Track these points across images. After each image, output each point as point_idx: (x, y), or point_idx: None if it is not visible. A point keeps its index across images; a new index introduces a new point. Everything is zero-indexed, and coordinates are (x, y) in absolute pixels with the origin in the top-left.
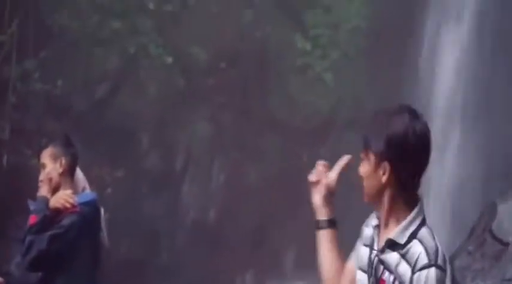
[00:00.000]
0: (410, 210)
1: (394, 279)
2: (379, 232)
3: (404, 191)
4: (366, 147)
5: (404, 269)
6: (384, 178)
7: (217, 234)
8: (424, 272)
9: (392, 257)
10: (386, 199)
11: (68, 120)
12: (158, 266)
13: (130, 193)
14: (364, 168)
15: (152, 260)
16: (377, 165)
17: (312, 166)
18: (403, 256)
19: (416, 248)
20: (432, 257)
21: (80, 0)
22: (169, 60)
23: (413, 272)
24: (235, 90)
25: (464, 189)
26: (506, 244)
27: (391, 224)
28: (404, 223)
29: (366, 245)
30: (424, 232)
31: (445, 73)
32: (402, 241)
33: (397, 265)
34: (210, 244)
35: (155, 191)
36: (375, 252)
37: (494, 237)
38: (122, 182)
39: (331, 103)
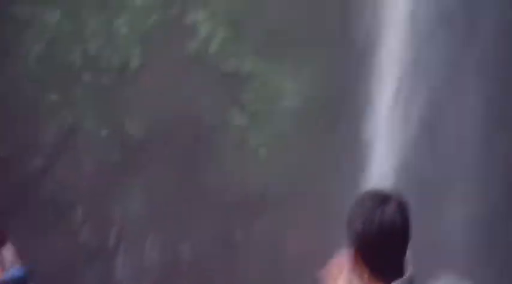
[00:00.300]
0: None
1: None
2: None
3: (379, 278)
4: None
5: None
6: (352, 265)
7: None
8: None
9: None
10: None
11: (3, 193)
12: None
13: (64, 266)
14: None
15: None
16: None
17: (246, 242)
18: None
19: None
20: None
21: (17, 70)
22: (105, 133)
23: None
24: (170, 164)
25: None
26: None
27: None
28: None
29: None
30: None
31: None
32: None
33: None
34: None
35: (89, 264)
36: None
37: None
38: (56, 254)
39: (266, 178)
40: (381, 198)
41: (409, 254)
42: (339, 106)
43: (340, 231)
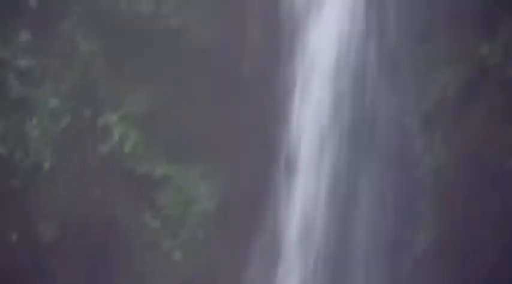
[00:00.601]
0: None
1: None
2: None
3: None
4: None
5: None
6: None
7: None
8: None
9: None
10: None
11: None
12: None
13: None
14: None
15: None
16: None
17: None
18: None
19: None
20: None
21: None
22: (15, 237)
23: None
24: (82, 268)
25: None
26: None
27: None
28: None
29: None
30: None
31: None
32: None
33: None
34: None
35: None
36: None
37: None
38: None
39: (180, 278)
40: None
41: None
42: (255, 210)
43: None
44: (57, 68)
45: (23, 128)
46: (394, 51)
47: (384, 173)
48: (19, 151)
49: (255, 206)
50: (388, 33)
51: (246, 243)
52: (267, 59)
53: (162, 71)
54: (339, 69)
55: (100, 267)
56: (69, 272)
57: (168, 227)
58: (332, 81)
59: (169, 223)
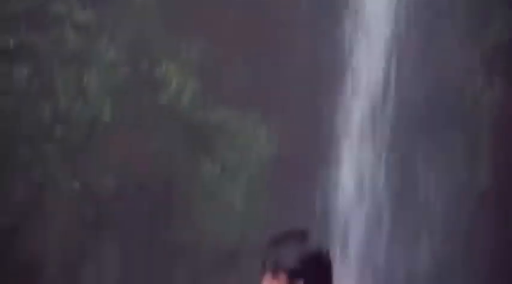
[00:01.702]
0: None
1: None
2: None
3: None
4: (276, 267)
5: None
6: None
7: None
8: None
9: None
10: None
11: None
12: None
13: None
14: None
15: None
16: (290, 283)
17: None
18: None
19: None
20: None
21: None
22: (77, 187)
23: None
24: (143, 216)
25: None
26: None
27: None
28: None
29: None
30: None
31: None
32: None
33: None
34: None
35: None
36: None
37: None
38: None
39: (240, 228)
40: (304, 234)
41: None
42: (314, 152)
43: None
44: (113, 20)
45: (81, 81)
46: None
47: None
48: (78, 104)
49: (310, 155)
50: None
51: (303, 190)
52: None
53: (219, 20)
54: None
55: (160, 217)
56: (129, 223)
57: (227, 174)
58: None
59: (227, 170)
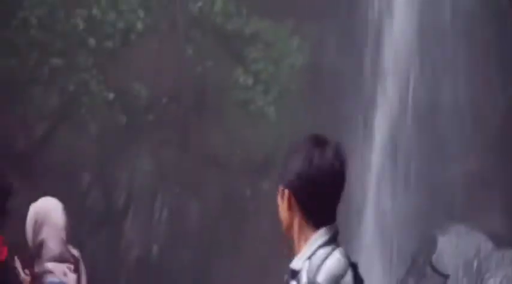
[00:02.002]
0: None
1: None
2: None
3: (312, 220)
4: (279, 181)
5: None
6: (286, 206)
7: (160, 270)
8: None
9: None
10: (295, 228)
11: (8, 159)
12: None
13: (72, 231)
14: (279, 201)
15: None
16: (283, 196)
17: (254, 200)
18: (298, 282)
19: (302, 271)
20: (311, 274)
21: (19, 38)
22: (111, 96)
23: None
24: (176, 125)
25: (405, 222)
26: (446, 276)
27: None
28: (303, 250)
29: None
30: (319, 253)
31: (386, 108)
32: (298, 267)
33: None
34: (153, 280)
35: (97, 228)
36: None
37: (435, 269)
38: None
39: (273, 137)
40: (320, 141)
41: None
42: (348, 62)
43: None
44: None
45: None
46: None
47: None
48: (112, 13)
49: (343, 65)
50: None
51: (341, 95)
52: None
53: None
54: None
55: (193, 126)
56: (162, 131)
57: (260, 84)
58: None
59: (261, 79)
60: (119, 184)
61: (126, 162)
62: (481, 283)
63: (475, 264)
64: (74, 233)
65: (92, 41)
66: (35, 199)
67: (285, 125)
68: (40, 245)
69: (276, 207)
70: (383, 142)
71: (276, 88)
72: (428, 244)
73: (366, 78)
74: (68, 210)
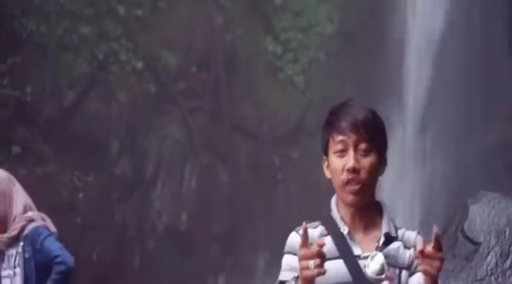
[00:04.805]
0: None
1: (400, 271)
2: (352, 236)
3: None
4: (370, 140)
5: (409, 253)
6: (383, 170)
7: (190, 238)
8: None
9: (394, 248)
10: (372, 192)
11: (38, 126)
12: (130, 271)
13: (101, 198)
14: (373, 160)
15: (124, 265)
16: (379, 157)
17: (283, 168)
18: (404, 244)
19: (409, 234)
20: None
21: (48, 5)
22: (140, 65)
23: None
24: (206, 94)
25: (436, 189)
26: (477, 244)
27: (366, 221)
28: (386, 216)
29: (329, 259)
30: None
31: (416, 75)
32: (393, 233)
33: (401, 254)
34: (182, 248)
35: (126, 196)
36: (358, 258)
37: (466, 237)
38: (93, 187)
39: (303, 106)
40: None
41: None
42: (375, 30)
43: None
44: None
45: None
46: None
47: None
48: None
49: (372, 33)
50: None
51: (371, 62)
52: None
53: None
54: None
55: (222, 94)
56: (191, 99)
57: (289, 52)
58: None
59: (290, 48)
60: (148, 152)
61: (156, 130)
62: None
63: (507, 232)
64: (103, 201)
65: (121, 9)
66: (65, 167)
67: (314, 94)
68: (10, 205)
69: (307, 173)
70: (415, 114)
71: (305, 57)
72: (460, 213)
73: (395, 46)
74: (97, 177)
